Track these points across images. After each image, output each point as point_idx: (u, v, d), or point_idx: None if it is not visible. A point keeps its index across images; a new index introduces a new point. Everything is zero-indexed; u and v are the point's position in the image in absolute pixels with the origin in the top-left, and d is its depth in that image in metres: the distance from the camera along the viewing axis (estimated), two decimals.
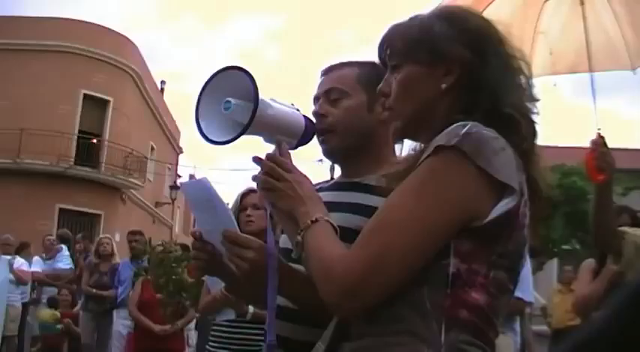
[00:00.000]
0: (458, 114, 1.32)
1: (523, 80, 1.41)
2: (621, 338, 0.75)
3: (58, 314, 8.38)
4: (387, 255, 1.22)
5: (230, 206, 3.44)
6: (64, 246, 9.63)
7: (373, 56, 1.57)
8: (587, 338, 0.81)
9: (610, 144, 2.86)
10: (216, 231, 1.63)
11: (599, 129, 2.89)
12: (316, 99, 1.88)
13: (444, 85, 1.38)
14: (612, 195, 2.86)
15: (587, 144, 2.91)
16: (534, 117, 1.40)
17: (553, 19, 3.32)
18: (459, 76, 1.38)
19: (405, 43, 1.44)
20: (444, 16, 1.44)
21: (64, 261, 9.32)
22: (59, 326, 8.38)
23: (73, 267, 9.33)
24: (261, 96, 1.50)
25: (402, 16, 1.50)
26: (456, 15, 1.44)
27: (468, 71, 1.37)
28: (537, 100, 1.42)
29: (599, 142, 2.79)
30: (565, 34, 3.15)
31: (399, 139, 1.55)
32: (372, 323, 1.29)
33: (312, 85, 1.92)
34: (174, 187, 26.76)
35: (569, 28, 3.15)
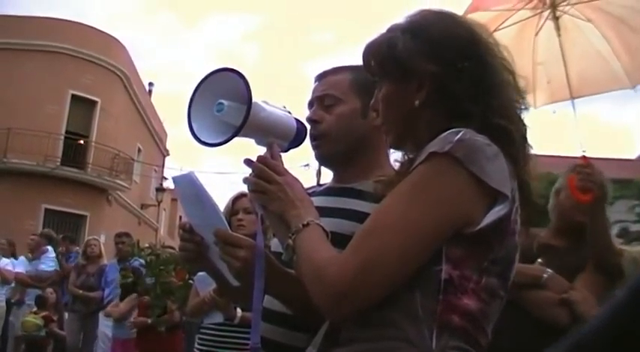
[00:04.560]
0: (452, 122, 1.31)
1: (507, 76, 1.41)
2: (620, 335, 0.75)
3: (41, 322, 8.22)
4: (379, 259, 1.22)
5: (221, 209, 3.43)
6: (50, 248, 9.52)
7: (357, 57, 1.56)
8: (586, 335, 0.81)
9: (595, 154, 2.82)
10: (204, 226, 1.63)
11: (584, 151, 2.86)
12: (310, 104, 1.88)
13: (417, 102, 1.39)
14: (605, 214, 2.74)
15: (573, 152, 2.90)
16: (523, 117, 1.40)
17: (548, 50, 3.34)
18: (430, 89, 1.38)
19: (377, 62, 1.46)
20: (409, 28, 1.42)
21: (47, 262, 9.18)
22: (43, 332, 8.25)
23: (58, 268, 9.22)
24: (253, 98, 1.50)
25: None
26: (419, 26, 1.42)
27: (440, 83, 1.36)
28: (525, 94, 1.43)
29: (583, 164, 2.74)
30: (561, 62, 3.15)
31: (395, 150, 1.56)
32: (364, 327, 1.28)
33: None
34: (160, 189, 26.70)
35: (564, 56, 3.15)
